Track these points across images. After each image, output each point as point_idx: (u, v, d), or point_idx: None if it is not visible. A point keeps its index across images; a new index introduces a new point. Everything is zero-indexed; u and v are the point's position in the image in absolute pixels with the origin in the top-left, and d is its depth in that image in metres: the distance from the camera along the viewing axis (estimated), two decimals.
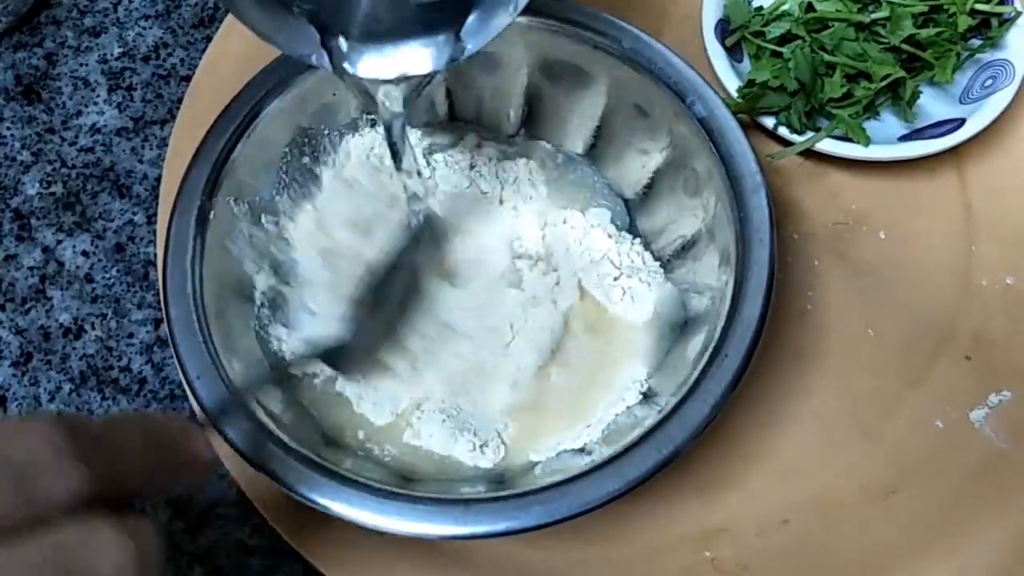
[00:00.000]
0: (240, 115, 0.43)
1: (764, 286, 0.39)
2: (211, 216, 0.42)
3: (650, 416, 0.39)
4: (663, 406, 0.39)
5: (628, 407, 0.43)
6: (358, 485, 0.37)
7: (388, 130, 0.39)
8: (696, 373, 0.39)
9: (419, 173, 0.42)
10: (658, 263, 0.47)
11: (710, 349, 0.39)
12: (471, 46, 0.36)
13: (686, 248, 0.46)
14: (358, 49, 0.35)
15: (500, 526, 0.36)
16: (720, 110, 0.43)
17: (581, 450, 0.42)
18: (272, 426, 0.38)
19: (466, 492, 0.39)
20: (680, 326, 0.45)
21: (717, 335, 0.39)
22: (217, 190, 0.42)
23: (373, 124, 0.48)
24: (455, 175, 0.48)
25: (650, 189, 0.48)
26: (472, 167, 0.49)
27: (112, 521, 0.26)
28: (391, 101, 0.37)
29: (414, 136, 0.49)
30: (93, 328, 0.50)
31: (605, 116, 0.48)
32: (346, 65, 0.35)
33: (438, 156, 0.49)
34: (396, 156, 0.40)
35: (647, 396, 0.43)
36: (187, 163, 0.43)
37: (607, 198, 0.49)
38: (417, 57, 0.35)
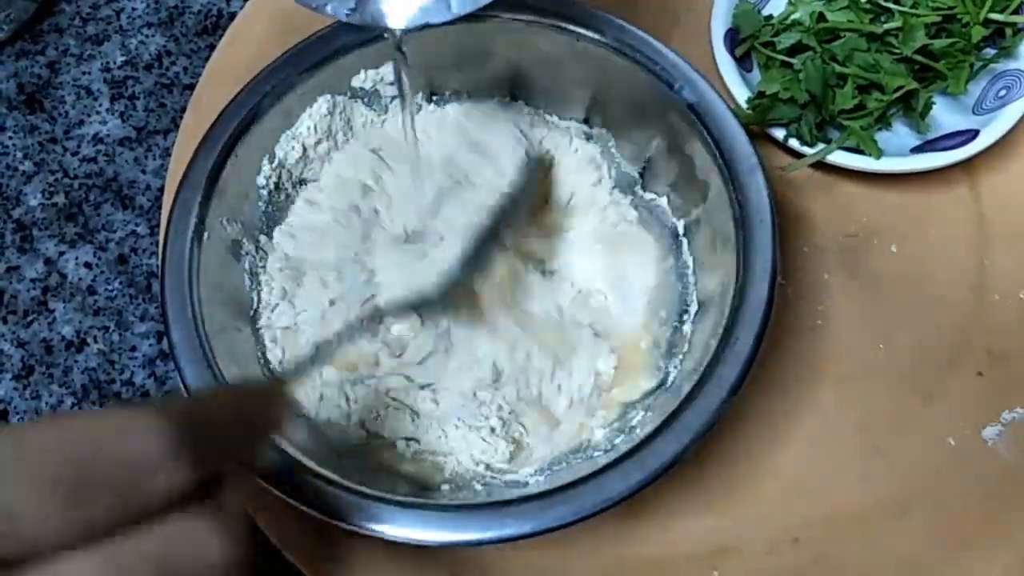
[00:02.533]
0: (227, 132, 0.43)
1: (769, 267, 0.40)
2: (205, 236, 0.42)
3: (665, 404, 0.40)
4: (679, 393, 0.39)
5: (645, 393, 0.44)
6: (403, 504, 0.37)
7: (396, 65, 0.39)
8: (708, 358, 0.39)
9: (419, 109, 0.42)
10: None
11: (720, 333, 0.39)
12: None
13: (687, 231, 0.46)
14: None
15: (527, 527, 0.36)
16: (709, 95, 0.43)
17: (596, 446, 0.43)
18: (298, 454, 0.38)
19: (482, 497, 0.39)
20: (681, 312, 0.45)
21: (726, 319, 0.39)
22: (209, 209, 0.42)
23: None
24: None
25: (643, 177, 0.48)
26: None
27: (210, 516, 0.25)
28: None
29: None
30: (95, 341, 0.50)
31: (592, 108, 0.48)
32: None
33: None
34: (401, 90, 0.41)
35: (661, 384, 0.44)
36: None
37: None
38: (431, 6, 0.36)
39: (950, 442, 0.46)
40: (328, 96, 0.46)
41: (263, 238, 0.46)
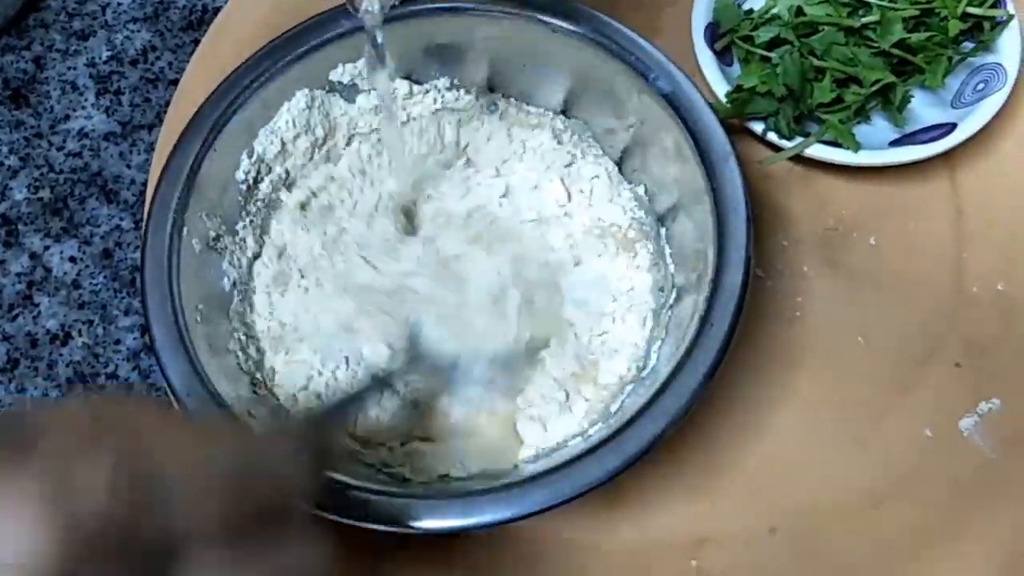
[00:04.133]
0: (205, 128, 0.44)
1: (743, 254, 0.40)
2: (185, 231, 0.42)
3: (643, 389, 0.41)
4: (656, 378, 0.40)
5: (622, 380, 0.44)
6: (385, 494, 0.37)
7: (372, 39, 0.40)
8: (686, 344, 0.40)
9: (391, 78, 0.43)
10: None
11: (696, 320, 0.40)
12: None
13: (664, 219, 0.47)
14: None
15: (507, 513, 0.37)
16: (684, 85, 0.44)
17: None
18: None
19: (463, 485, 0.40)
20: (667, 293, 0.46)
21: (702, 305, 0.40)
22: (188, 204, 0.42)
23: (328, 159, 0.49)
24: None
25: (620, 167, 0.49)
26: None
27: (318, 529, 0.27)
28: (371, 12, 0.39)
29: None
30: (80, 335, 0.50)
31: (568, 99, 0.48)
32: None
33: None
34: (379, 61, 0.41)
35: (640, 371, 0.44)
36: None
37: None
38: None
39: (927, 433, 0.47)
40: (306, 90, 0.47)
41: (243, 233, 0.46)
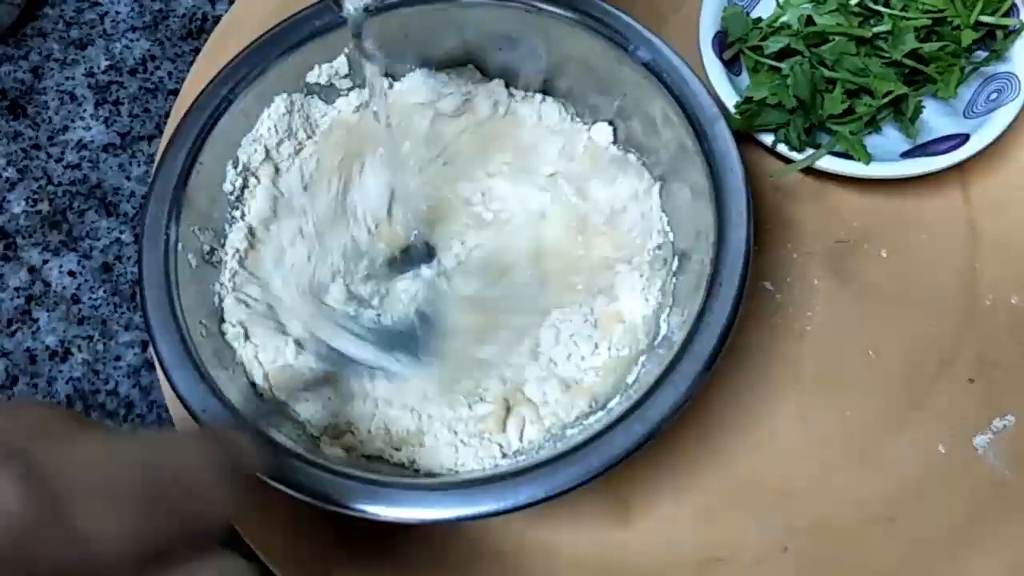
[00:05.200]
0: (189, 142, 0.43)
1: (744, 211, 0.41)
2: (180, 247, 0.42)
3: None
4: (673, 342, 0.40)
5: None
6: (401, 484, 0.37)
7: (357, 36, 0.40)
8: (697, 307, 0.40)
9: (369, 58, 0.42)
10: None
11: (704, 282, 0.40)
12: None
13: (660, 187, 0.46)
14: None
15: (540, 493, 0.37)
16: (664, 52, 0.44)
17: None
18: (286, 441, 0.38)
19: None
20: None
21: (709, 265, 0.40)
22: (180, 220, 0.42)
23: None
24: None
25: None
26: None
27: (230, 561, 0.26)
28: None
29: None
30: (80, 351, 0.50)
31: (550, 78, 0.48)
32: None
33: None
34: (365, 58, 0.41)
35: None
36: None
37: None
38: None
39: (940, 450, 0.46)
40: (284, 95, 0.46)
41: (236, 245, 0.46)
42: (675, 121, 0.43)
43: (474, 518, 0.37)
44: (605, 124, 0.48)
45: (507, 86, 0.49)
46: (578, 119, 0.49)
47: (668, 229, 0.45)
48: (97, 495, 0.23)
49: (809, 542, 0.44)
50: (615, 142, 0.48)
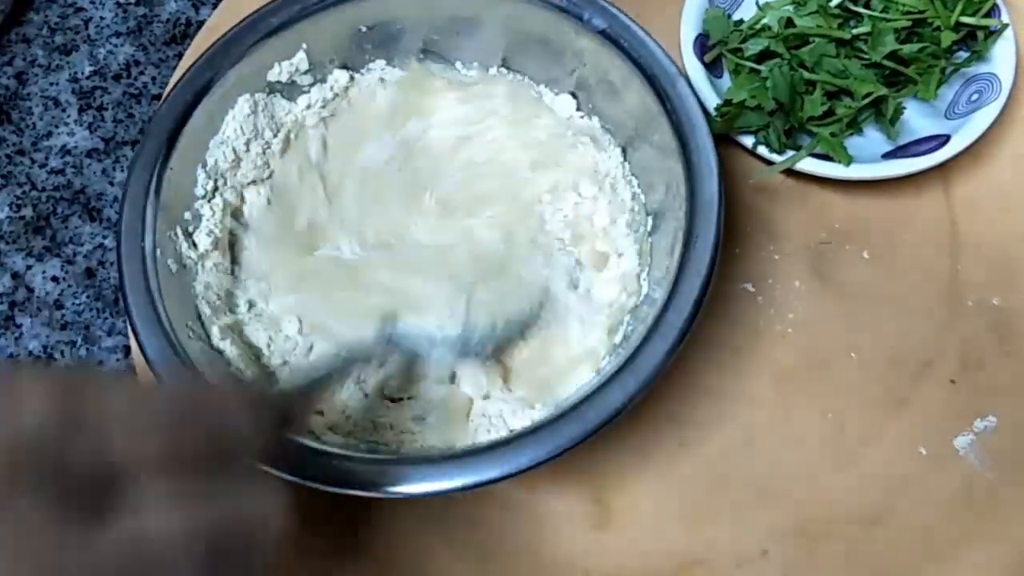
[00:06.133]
0: (157, 148, 0.44)
1: (714, 166, 0.41)
2: (158, 253, 0.42)
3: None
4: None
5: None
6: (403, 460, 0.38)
7: None
8: (675, 261, 0.40)
9: None
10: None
11: (680, 237, 0.40)
12: None
13: (626, 150, 0.47)
14: None
15: (542, 454, 0.37)
16: (619, 17, 0.45)
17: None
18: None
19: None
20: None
21: (684, 221, 0.41)
22: (156, 226, 0.42)
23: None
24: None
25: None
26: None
27: (275, 482, 0.28)
28: None
29: None
30: (63, 356, 0.50)
31: (507, 55, 0.49)
32: None
33: None
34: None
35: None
36: None
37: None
38: None
39: (922, 452, 0.46)
40: (247, 95, 0.47)
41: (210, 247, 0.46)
42: (635, 86, 0.44)
43: (480, 486, 0.37)
44: (567, 95, 0.48)
45: (466, 67, 0.50)
46: (539, 92, 0.49)
47: (639, 191, 0.46)
48: (123, 420, 0.25)
49: (790, 545, 0.44)
50: (579, 110, 0.48)
